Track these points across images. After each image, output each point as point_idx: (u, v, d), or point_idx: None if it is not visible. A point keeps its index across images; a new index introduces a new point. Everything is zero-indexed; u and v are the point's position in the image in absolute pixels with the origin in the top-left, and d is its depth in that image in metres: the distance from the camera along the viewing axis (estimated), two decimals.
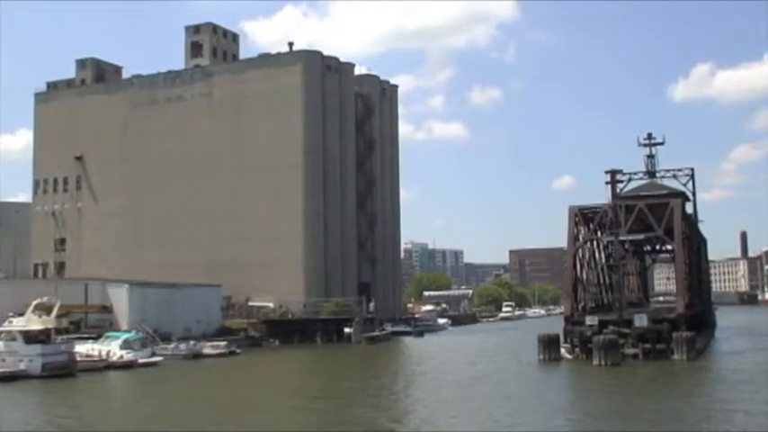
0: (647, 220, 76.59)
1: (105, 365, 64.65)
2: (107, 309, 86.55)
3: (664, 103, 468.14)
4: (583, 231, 77.14)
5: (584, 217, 76.98)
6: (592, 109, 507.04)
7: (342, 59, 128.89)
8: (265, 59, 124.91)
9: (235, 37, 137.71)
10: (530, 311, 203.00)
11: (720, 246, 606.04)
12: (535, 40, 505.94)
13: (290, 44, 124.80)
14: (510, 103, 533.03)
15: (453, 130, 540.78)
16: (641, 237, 79.10)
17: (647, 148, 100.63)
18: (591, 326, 65.38)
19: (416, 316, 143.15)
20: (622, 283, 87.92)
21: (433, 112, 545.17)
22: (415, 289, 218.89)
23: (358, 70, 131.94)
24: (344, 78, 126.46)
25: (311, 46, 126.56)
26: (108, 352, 67.36)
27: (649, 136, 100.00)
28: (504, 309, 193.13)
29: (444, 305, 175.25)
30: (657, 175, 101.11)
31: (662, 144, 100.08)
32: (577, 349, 66.21)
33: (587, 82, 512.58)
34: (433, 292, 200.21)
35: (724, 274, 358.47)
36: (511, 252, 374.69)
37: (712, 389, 48.24)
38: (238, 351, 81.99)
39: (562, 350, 67.07)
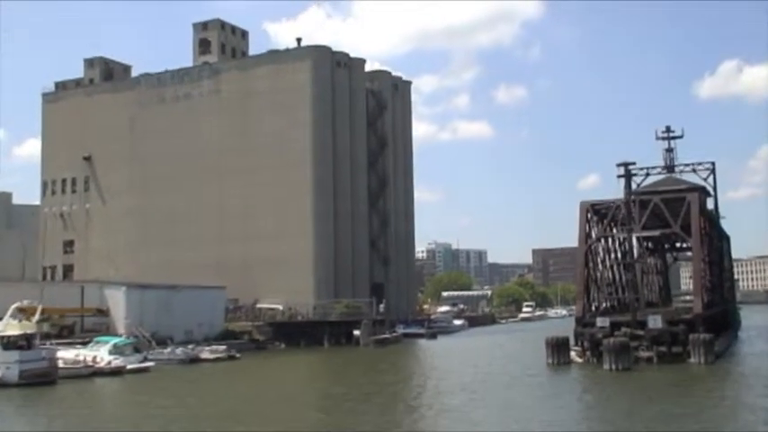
0: (663, 216, 72.86)
1: (91, 372, 61.58)
2: (103, 312, 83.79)
3: (690, 100, 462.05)
4: (596, 228, 73.34)
5: (596, 213, 73.19)
6: (617, 107, 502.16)
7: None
8: (273, 56, 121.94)
9: (244, 34, 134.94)
10: (551, 312, 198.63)
11: (749, 244, 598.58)
12: (560, 38, 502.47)
13: (299, 39, 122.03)
14: (535, 101, 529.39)
15: (478, 130, 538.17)
16: (656, 233, 75.35)
17: (666, 142, 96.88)
18: (602, 327, 61.69)
19: (432, 317, 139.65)
20: (639, 281, 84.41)
21: (457, 112, 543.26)
22: (434, 289, 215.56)
23: (370, 66, 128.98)
24: (355, 74, 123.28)
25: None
26: (94, 357, 64.33)
27: (668, 129, 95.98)
28: (524, 309, 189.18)
29: (461, 306, 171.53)
30: (676, 169, 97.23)
31: (681, 137, 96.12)
32: (588, 353, 62.63)
33: (612, 80, 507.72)
34: (451, 293, 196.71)
35: (752, 272, 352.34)
36: (534, 251, 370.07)
37: (727, 395, 44.44)
38: (238, 355, 78.87)
39: (572, 353, 63.49)
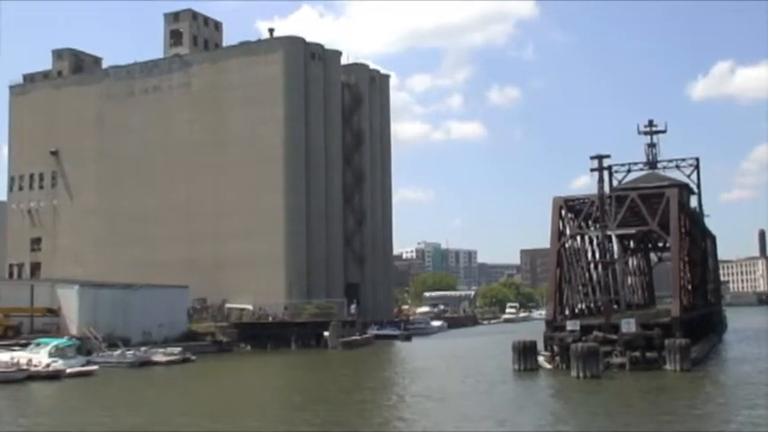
0: (643, 214, 68.96)
1: (26, 376, 57.36)
2: (53, 312, 79.41)
3: (683, 101, 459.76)
4: (570, 225, 69.40)
5: (571, 209, 69.26)
6: (610, 108, 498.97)
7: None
8: (245, 47, 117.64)
9: (217, 25, 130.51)
10: (536, 313, 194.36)
11: (741, 245, 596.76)
12: (554, 39, 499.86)
13: (271, 30, 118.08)
14: (529, 102, 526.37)
15: (471, 130, 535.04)
16: (632, 231, 71.56)
17: (648, 137, 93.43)
18: (572, 331, 57.67)
19: (410, 318, 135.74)
20: (621, 282, 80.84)
21: (450, 112, 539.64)
22: (418, 289, 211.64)
23: (345, 60, 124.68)
24: (330, 67, 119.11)
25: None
26: (29, 360, 60.07)
27: (650, 123, 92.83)
28: (508, 310, 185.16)
29: (442, 306, 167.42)
30: (659, 165, 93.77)
31: (664, 132, 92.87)
32: (558, 358, 58.65)
33: (605, 81, 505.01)
34: (432, 293, 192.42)
35: (742, 273, 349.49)
36: (522, 252, 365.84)
37: (694, 406, 40.44)
38: (193, 358, 74.56)
39: (540, 359, 59.57)
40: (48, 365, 59.94)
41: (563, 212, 67.83)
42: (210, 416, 40.45)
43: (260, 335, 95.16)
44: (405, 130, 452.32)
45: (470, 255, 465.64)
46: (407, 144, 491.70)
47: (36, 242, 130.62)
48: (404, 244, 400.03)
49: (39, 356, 61.15)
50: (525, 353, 57.82)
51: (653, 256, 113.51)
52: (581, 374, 51.37)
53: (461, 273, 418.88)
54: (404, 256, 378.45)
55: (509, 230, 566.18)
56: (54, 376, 58.88)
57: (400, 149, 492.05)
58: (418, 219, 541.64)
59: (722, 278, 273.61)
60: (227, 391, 53.41)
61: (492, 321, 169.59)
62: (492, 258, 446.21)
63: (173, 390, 55.53)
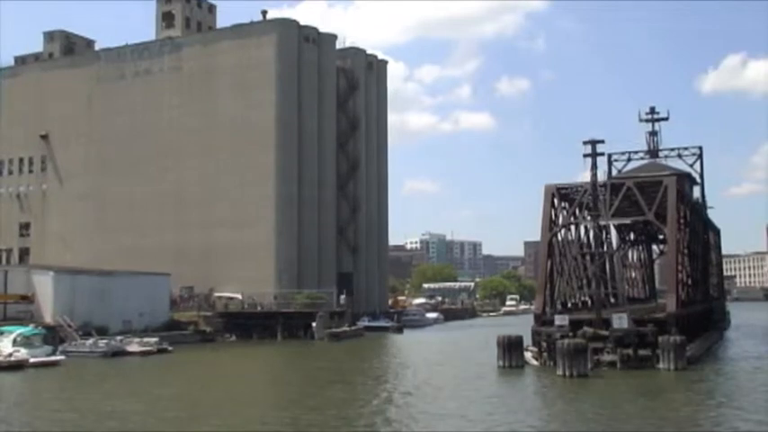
0: (640, 203, 65.65)
1: None
2: (27, 298, 76.53)
3: (692, 94, 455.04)
4: (563, 215, 66.14)
5: (564, 197, 65.95)
6: (620, 101, 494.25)
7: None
8: (237, 30, 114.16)
9: (211, 8, 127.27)
10: None
11: (751, 240, 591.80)
12: (564, 30, 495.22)
13: (264, 12, 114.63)
14: (538, 93, 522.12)
15: (480, 121, 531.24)
16: (627, 221, 68.25)
17: (650, 125, 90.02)
18: (561, 326, 54.44)
19: (406, 309, 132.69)
20: (619, 275, 77.76)
21: (459, 103, 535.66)
22: (419, 280, 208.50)
23: (340, 44, 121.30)
24: (325, 51, 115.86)
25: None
26: None
27: (652, 110, 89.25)
28: (508, 302, 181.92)
29: (439, 298, 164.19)
30: (661, 154, 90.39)
31: (666, 119, 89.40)
32: (545, 354, 55.48)
33: (616, 73, 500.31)
34: (432, 284, 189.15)
35: (749, 269, 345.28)
36: (526, 243, 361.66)
37: (680, 411, 37.30)
38: (170, 348, 71.61)
39: (527, 355, 56.42)
40: (10, 355, 57.22)
41: (555, 201, 64.62)
42: (151, 414, 37.56)
43: (246, 325, 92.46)
44: (413, 120, 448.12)
45: (475, 246, 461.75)
46: (415, 135, 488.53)
47: (25, 227, 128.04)
48: (409, 235, 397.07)
49: (2, 345, 58.48)
50: (510, 349, 54.68)
51: (655, 249, 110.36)
52: (567, 373, 48.15)
53: (466, 264, 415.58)
54: (408, 247, 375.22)
55: (516, 222, 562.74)
56: (16, 366, 56.18)
57: (408, 140, 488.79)
58: (425, 210, 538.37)
59: (729, 273, 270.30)
60: (187, 385, 50.45)
61: (491, 314, 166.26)
62: (499, 250, 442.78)
63: (134, 382, 52.42)
